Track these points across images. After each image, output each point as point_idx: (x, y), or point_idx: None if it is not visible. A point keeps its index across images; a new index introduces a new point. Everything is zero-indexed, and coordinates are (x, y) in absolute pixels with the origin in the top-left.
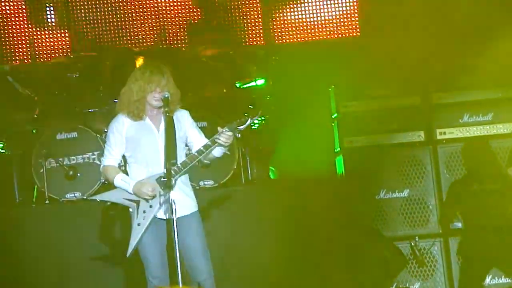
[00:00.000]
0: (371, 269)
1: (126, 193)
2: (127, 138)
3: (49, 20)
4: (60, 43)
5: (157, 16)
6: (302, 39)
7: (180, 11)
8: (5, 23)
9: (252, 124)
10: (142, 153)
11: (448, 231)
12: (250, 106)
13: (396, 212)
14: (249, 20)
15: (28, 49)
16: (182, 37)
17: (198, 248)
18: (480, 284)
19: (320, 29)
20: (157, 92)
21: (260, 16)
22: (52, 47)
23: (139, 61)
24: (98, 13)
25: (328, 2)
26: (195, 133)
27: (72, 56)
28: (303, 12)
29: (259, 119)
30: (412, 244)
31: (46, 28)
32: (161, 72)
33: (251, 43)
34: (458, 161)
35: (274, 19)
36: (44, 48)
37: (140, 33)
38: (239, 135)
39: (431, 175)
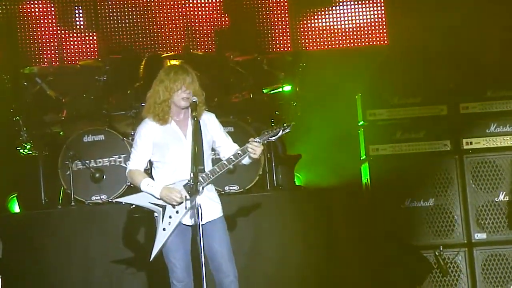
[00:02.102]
0: (396, 277)
1: (152, 197)
2: (155, 143)
3: (77, 23)
4: (88, 46)
5: (186, 22)
6: (330, 47)
7: (208, 17)
8: (34, 25)
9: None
10: (170, 158)
11: (472, 242)
12: (276, 112)
13: (421, 221)
14: (277, 27)
15: (57, 51)
16: (210, 43)
17: (224, 251)
18: None
19: (348, 37)
20: (184, 91)
21: (287, 22)
22: (80, 50)
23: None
24: (127, 17)
25: (356, 10)
26: (222, 137)
27: (100, 59)
28: (331, 20)
29: (284, 126)
30: (437, 253)
31: (74, 31)
32: (185, 71)
33: (279, 50)
34: (484, 171)
35: (301, 26)
36: (72, 50)
37: (168, 37)
38: (266, 142)
39: (456, 185)
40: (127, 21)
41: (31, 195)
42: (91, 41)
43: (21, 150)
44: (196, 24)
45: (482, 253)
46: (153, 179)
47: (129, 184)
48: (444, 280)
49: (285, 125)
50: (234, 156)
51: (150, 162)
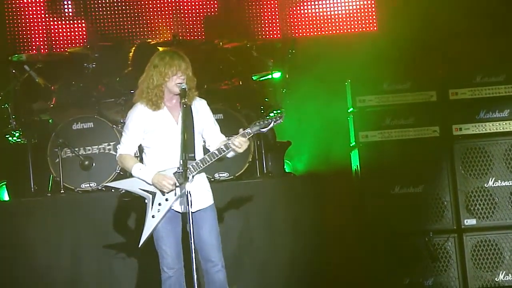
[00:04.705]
0: (385, 264)
1: (142, 183)
2: (146, 128)
3: (66, 10)
4: (77, 33)
5: (175, 9)
6: (319, 33)
7: (197, 4)
8: (23, 13)
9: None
10: (161, 144)
11: (462, 228)
12: (266, 99)
13: (410, 208)
14: (266, 13)
15: (45, 38)
16: (199, 30)
17: (213, 241)
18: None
19: (337, 24)
20: (179, 77)
21: (277, 9)
22: (69, 37)
23: None
24: (115, 4)
25: None
26: (211, 126)
27: (88, 46)
28: (320, 6)
29: (277, 113)
30: (426, 239)
31: (63, 18)
32: (181, 57)
33: (268, 37)
34: (474, 157)
35: (291, 13)
36: (61, 38)
37: (157, 25)
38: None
39: (446, 171)
40: (115, 8)
41: (20, 183)
42: (80, 29)
43: (10, 138)
44: (185, 11)
45: (471, 239)
46: (142, 163)
47: (118, 171)
48: (434, 266)
49: (277, 116)
50: (225, 146)
51: (140, 147)
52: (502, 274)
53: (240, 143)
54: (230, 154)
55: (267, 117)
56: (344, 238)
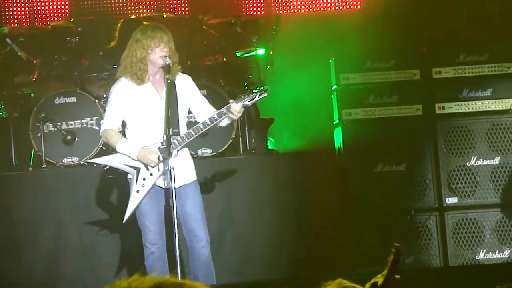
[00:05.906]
0: (367, 241)
1: (127, 158)
2: (129, 102)
3: None
4: (59, 6)
5: None
6: (303, 11)
7: None
8: None
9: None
10: (144, 119)
11: (444, 206)
12: (249, 76)
13: (393, 186)
14: None
15: (28, 12)
16: (183, 6)
17: (198, 216)
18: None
19: (321, 1)
20: (161, 49)
21: None
22: (51, 11)
23: None
24: None
25: None
26: (198, 100)
27: (71, 20)
28: None
29: (261, 90)
30: (408, 217)
31: None
32: (163, 30)
33: (252, 13)
34: (456, 136)
35: None
36: (43, 11)
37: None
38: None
39: (428, 149)
40: None
41: (2, 157)
42: (63, 2)
43: None
44: None
45: (453, 217)
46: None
47: (101, 146)
48: (415, 244)
49: (262, 89)
50: (209, 120)
51: (122, 122)
52: (482, 252)
53: (238, 111)
54: (224, 123)
55: (252, 91)
56: (326, 215)
